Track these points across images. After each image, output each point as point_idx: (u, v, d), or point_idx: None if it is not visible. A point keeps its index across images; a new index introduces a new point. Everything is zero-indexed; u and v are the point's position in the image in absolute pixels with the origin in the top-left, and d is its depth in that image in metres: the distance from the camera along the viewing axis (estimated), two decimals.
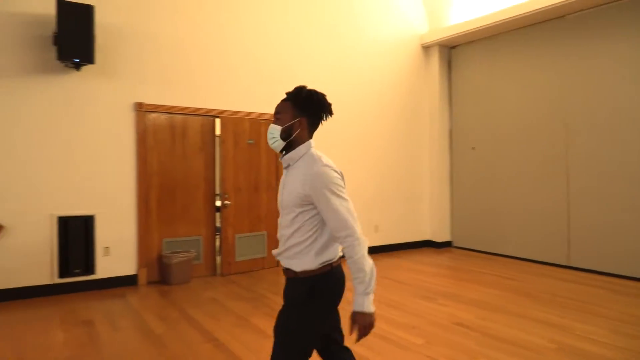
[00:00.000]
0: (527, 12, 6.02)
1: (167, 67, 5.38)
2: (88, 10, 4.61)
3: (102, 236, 5.00)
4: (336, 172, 1.83)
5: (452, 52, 7.63)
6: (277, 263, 6.13)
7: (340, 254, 1.90)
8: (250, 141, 5.91)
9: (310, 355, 1.87)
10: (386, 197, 7.20)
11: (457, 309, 4.28)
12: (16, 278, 4.57)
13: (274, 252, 1.97)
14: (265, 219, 6.04)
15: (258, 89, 6.01)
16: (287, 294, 1.94)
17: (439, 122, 7.54)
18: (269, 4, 6.10)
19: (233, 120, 5.77)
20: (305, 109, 1.88)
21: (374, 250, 6.97)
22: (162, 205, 5.39)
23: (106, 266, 5.02)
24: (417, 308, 4.32)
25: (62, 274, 4.77)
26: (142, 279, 5.19)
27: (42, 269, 4.69)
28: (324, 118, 1.93)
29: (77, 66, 4.75)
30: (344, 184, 1.86)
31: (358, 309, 1.74)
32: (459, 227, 7.53)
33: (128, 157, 5.16)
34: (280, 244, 1.93)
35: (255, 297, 4.71)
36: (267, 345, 3.35)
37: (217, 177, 5.80)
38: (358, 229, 1.78)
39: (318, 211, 1.81)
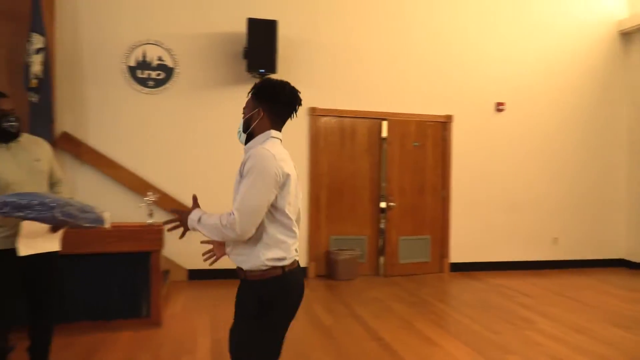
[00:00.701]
0: None
1: (337, 72, 5.65)
2: (273, 25, 5.11)
3: None
4: (279, 165, 1.71)
5: None
6: (440, 268, 5.94)
7: (296, 257, 1.79)
8: (416, 144, 5.84)
9: None
10: (570, 206, 6.38)
11: None
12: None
13: (227, 249, 1.83)
14: (430, 222, 5.90)
15: (424, 91, 5.90)
16: (238, 300, 1.80)
17: None
18: (438, 4, 5.94)
19: (399, 122, 5.78)
20: (261, 98, 1.83)
21: (551, 265, 6.25)
22: (331, 204, 5.67)
23: None
24: (609, 336, 3.71)
25: None
26: (312, 272, 5.54)
27: None
28: (291, 106, 1.86)
29: (262, 76, 5.30)
30: (284, 182, 1.71)
31: (192, 216, 1.76)
32: None
33: (302, 158, 5.56)
34: None
35: (419, 302, 4.62)
36: (432, 352, 3.25)
37: (383, 178, 5.87)
38: (242, 225, 1.62)
39: None
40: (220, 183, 5.31)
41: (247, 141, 1.87)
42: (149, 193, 3.88)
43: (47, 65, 4.48)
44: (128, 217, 4.69)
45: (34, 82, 4.37)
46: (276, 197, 1.70)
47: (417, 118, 5.85)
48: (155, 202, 3.93)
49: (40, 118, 4.44)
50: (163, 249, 3.82)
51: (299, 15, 5.53)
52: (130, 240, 3.65)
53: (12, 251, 2.36)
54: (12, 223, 2.32)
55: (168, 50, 5.21)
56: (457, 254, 5.99)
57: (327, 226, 5.66)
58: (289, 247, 1.75)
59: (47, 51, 4.47)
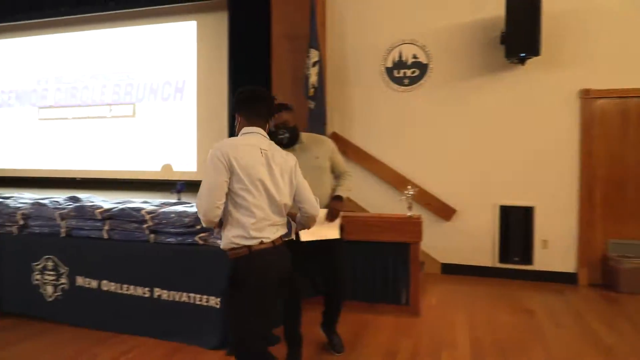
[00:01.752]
0: None
1: (619, 46, 4.72)
2: (535, 3, 4.61)
3: (541, 228, 4.96)
4: (224, 150, 1.99)
5: None
6: None
7: (265, 239, 2.01)
8: None
9: (258, 339, 2.02)
10: None
11: None
12: (465, 256, 5.21)
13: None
14: None
15: None
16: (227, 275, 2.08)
17: None
18: None
19: None
20: (235, 109, 2.22)
21: None
22: (609, 200, 4.81)
23: (543, 259, 4.96)
24: None
25: (501, 260, 5.07)
26: (583, 279, 4.83)
27: (485, 252, 5.14)
28: (251, 102, 2.16)
29: (522, 60, 4.86)
30: (230, 166, 1.98)
31: None
32: None
33: (570, 148, 4.89)
34: None
35: None
36: None
37: None
38: (201, 205, 1.99)
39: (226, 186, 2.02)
40: (476, 176, 5.17)
41: None
42: (408, 187, 4.05)
43: (321, 75, 5.18)
44: (388, 209, 5.01)
45: (311, 91, 5.10)
46: (231, 180, 1.99)
47: None
48: (413, 196, 4.08)
49: (316, 121, 5.15)
50: (421, 241, 3.95)
51: None
52: (392, 231, 3.90)
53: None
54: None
55: (422, 47, 5.32)
56: None
57: (603, 227, 4.83)
58: (249, 227, 1.99)
59: (321, 63, 5.16)
